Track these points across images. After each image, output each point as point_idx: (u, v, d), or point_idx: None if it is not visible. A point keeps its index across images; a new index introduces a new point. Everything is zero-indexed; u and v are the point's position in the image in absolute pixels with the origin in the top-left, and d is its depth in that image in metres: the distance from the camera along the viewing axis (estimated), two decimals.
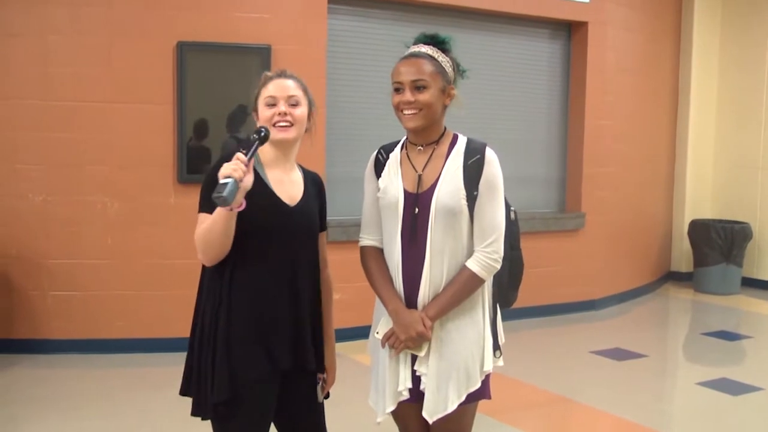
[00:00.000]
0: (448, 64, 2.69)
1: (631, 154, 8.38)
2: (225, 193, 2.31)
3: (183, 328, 6.18)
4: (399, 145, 2.81)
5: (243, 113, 5.94)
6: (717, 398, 5.38)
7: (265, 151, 2.66)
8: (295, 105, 2.65)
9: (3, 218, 5.93)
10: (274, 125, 2.61)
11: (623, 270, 8.44)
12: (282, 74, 2.69)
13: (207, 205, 2.54)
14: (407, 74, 2.64)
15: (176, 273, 6.04)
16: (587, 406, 5.22)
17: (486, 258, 2.63)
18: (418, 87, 2.63)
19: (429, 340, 2.62)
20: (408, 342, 2.62)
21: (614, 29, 7.97)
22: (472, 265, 2.62)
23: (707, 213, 9.57)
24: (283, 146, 2.67)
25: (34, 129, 5.88)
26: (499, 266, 2.66)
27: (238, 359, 2.54)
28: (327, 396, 2.88)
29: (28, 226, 5.94)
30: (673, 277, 9.65)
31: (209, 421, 2.65)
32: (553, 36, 7.89)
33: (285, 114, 2.62)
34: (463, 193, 2.62)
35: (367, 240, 2.84)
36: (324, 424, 2.84)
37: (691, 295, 8.96)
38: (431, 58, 2.66)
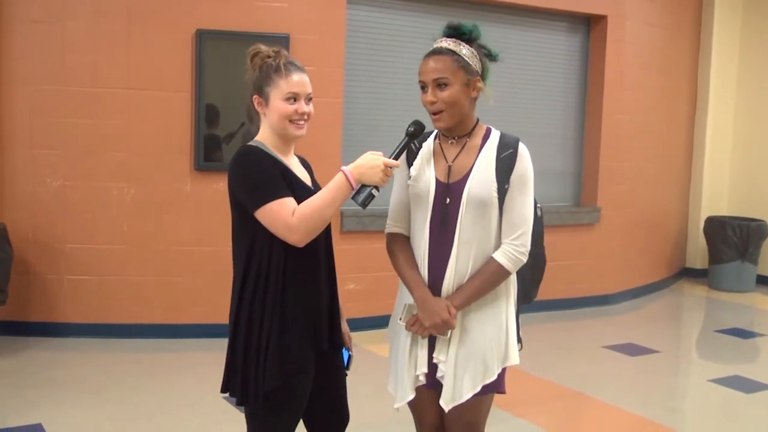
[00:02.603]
0: (472, 56, 2.67)
1: (648, 150, 8.34)
2: (368, 204, 2.53)
3: (197, 314, 6.31)
4: (432, 135, 2.82)
5: None
6: (729, 396, 5.37)
7: (273, 141, 2.67)
8: (310, 101, 2.67)
9: (21, 202, 5.98)
10: (291, 121, 2.63)
11: (638, 265, 8.42)
12: (300, 68, 2.67)
13: (279, 190, 2.55)
14: (428, 73, 2.64)
15: (191, 259, 6.08)
16: (599, 400, 5.22)
17: (514, 251, 2.64)
18: (439, 85, 2.62)
19: (453, 327, 2.64)
20: (432, 329, 2.64)
21: (634, 23, 7.93)
22: (500, 257, 2.64)
23: (723, 210, 9.51)
24: (292, 139, 2.70)
25: (53, 115, 5.92)
26: (525, 259, 2.68)
27: (289, 346, 2.57)
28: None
29: (45, 211, 5.98)
30: (687, 273, 9.61)
31: (221, 407, 2.66)
32: (572, 29, 7.86)
33: (305, 113, 2.64)
34: (494, 185, 2.64)
35: (393, 227, 2.84)
36: (346, 396, 2.88)
37: (706, 292, 8.93)
38: (452, 53, 2.64)
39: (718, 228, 8.83)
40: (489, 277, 2.65)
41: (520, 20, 7.47)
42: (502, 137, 2.73)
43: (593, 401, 5.24)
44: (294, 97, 2.62)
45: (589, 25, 7.91)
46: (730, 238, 8.70)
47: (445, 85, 2.62)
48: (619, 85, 7.86)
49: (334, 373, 2.81)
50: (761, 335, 7.18)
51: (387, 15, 6.81)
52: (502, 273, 2.65)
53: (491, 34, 2.79)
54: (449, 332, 2.65)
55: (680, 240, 9.47)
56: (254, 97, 2.67)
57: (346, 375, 2.88)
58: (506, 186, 2.65)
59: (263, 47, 2.69)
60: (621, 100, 7.89)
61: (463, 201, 2.64)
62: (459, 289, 2.66)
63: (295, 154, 2.83)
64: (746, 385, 5.54)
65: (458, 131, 2.73)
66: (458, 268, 2.66)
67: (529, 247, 2.68)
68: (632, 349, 6.40)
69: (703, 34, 9.33)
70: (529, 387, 5.36)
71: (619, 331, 7.07)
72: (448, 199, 2.68)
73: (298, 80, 2.63)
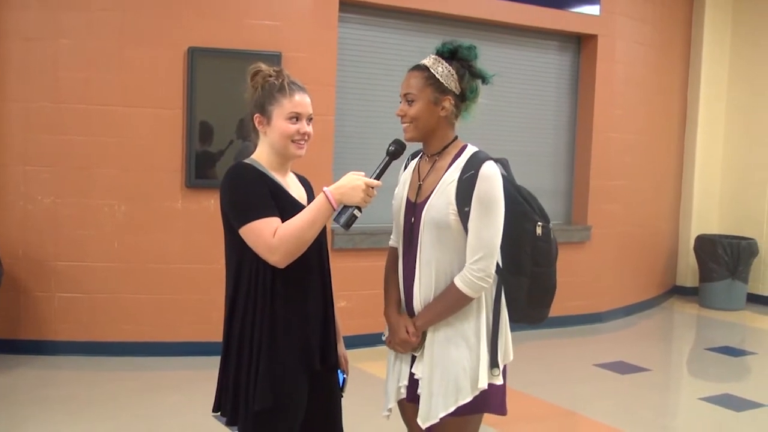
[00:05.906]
0: (448, 75, 2.66)
1: (639, 168, 8.38)
2: (351, 224, 2.51)
3: (188, 332, 6.29)
4: (420, 154, 2.84)
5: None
6: (720, 414, 5.37)
7: (270, 159, 2.67)
8: (311, 121, 2.68)
9: (12, 219, 5.97)
10: (292, 141, 2.62)
11: (629, 283, 8.44)
12: (302, 88, 2.67)
13: (264, 209, 2.53)
14: (402, 87, 2.71)
15: (182, 277, 6.07)
16: (589, 419, 5.22)
17: (471, 275, 2.59)
18: (408, 100, 2.67)
19: (414, 347, 2.67)
20: (397, 346, 2.70)
21: (624, 42, 7.99)
22: (458, 280, 2.61)
23: (714, 228, 9.55)
24: (292, 158, 2.70)
25: (45, 132, 5.92)
26: (486, 285, 2.61)
27: (279, 366, 2.55)
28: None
29: (36, 228, 5.97)
30: (678, 291, 9.63)
31: (212, 426, 2.65)
32: (563, 48, 7.91)
33: (306, 134, 2.64)
34: (453, 207, 2.61)
35: (391, 240, 2.92)
36: (341, 419, 2.86)
37: (696, 310, 8.95)
38: (425, 69, 2.67)
39: (708, 246, 8.86)
40: (448, 300, 2.62)
41: (511, 39, 7.52)
42: (471, 157, 2.67)
43: (584, 419, 5.24)
44: (296, 117, 2.62)
45: (580, 44, 7.96)
46: (720, 256, 8.73)
47: (413, 100, 2.67)
48: (610, 104, 7.90)
49: (330, 394, 2.79)
50: (751, 353, 7.20)
51: (378, 33, 6.85)
52: (460, 296, 2.61)
53: (482, 52, 2.80)
54: (420, 350, 2.67)
55: (671, 258, 9.50)
56: (255, 115, 2.67)
57: (342, 397, 2.86)
58: (467, 208, 2.59)
59: (264, 66, 2.69)
60: (611, 119, 7.93)
61: (422, 222, 2.65)
62: (423, 309, 2.68)
63: (294, 173, 2.82)
64: (736, 404, 5.55)
65: (430, 149, 2.74)
66: (422, 288, 2.67)
67: (490, 272, 2.60)
68: (623, 368, 6.40)
69: (693, 53, 9.41)
70: (520, 405, 5.34)
71: (610, 349, 7.07)
72: (413, 219, 2.70)
73: (301, 100, 2.64)
